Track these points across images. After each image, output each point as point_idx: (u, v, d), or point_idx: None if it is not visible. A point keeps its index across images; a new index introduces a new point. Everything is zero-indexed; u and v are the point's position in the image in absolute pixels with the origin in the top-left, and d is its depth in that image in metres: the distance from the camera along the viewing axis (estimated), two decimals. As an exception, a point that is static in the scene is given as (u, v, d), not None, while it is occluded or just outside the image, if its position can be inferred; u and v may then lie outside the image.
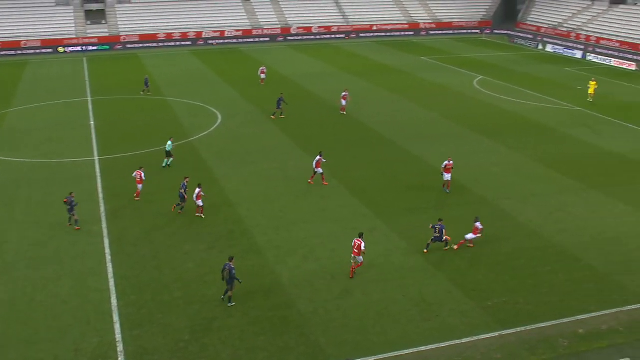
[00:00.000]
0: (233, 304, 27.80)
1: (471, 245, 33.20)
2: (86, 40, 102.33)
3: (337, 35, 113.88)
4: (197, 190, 36.57)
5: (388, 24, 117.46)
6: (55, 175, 43.86)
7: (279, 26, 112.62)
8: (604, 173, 44.46)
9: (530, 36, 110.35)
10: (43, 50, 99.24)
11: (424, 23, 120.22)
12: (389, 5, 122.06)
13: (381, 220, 36.45)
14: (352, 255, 30.29)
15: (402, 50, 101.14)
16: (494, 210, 38.02)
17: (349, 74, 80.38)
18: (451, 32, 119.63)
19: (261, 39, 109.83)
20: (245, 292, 28.51)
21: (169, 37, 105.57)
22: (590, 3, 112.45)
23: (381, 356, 24.58)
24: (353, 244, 30.27)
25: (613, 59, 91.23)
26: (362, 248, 29.88)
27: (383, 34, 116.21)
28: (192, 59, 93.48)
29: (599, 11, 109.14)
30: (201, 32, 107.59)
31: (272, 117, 58.61)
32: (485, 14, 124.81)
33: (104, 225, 36.04)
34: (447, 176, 40.54)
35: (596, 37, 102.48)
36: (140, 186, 39.39)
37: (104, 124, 57.13)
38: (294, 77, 77.88)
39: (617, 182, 42.72)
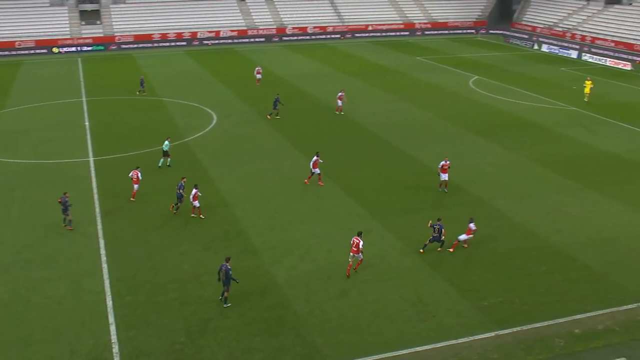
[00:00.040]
0: (229, 304, 27.72)
1: (466, 245, 33.17)
2: (81, 41, 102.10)
3: (333, 36, 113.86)
4: (194, 191, 36.48)
5: (383, 24, 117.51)
6: (50, 176, 43.71)
7: (274, 26, 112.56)
8: (600, 173, 44.51)
9: (526, 36, 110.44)
10: (37, 51, 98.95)
11: (420, 23, 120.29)
12: (384, 5, 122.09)
13: (377, 220, 36.41)
14: (351, 253, 30.28)
15: (397, 50, 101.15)
16: (490, 210, 38.01)
17: (345, 74, 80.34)
18: (446, 32, 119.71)
19: (256, 39, 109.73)
20: (241, 293, 28.42)
21: (164, 38, 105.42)
22: (585, 3, 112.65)
23: (377, 356, 24.53)
24: (352, 242, 30.28)
25: (608, 59, 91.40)
26: (361, 246, 29.92)
27: (378, 34, 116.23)
28: (187, 59, 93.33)
29: (594, 11, 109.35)
30: (196, 32, 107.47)
31: (268, 117, 58.58)
32: (480, 13, 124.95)
33: (99, 226, 35.91)
34: (444, 176, 40.53)
35: (591, 37, 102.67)
36: (136, 186, 39.31)
37: (99, 124, 56.97)
38: (289, 78, 77.81)
39: (613, 181, 42.77)
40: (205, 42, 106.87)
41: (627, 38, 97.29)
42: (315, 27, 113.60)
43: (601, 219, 37.01)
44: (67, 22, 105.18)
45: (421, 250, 32.61)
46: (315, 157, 41.66)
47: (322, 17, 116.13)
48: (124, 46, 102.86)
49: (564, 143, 51.33)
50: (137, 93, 68.46)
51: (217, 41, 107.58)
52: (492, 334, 25.93)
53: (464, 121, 57.39)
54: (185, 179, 37.77)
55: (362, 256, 30.34)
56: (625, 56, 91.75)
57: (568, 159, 47.37)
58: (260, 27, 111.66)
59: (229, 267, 27.41)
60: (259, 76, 73.89)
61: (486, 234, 34.44)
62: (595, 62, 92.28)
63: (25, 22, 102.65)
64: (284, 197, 40.09)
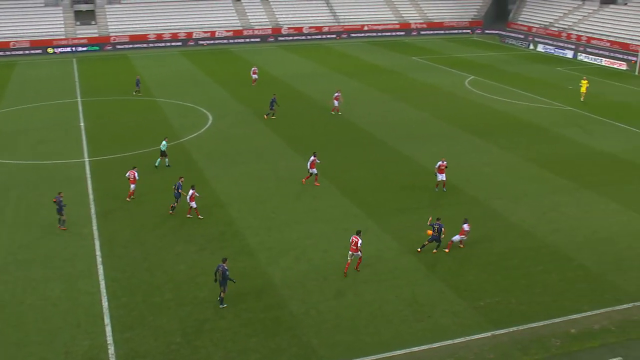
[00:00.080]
0: (225, 305, 27.67)
1: (461, 246, 33.17)
2: (76, 41, 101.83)
3: (328, 36, 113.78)
4: (191, 192, 36.40)
5: (379, 24, 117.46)
6: (45, 177, 43.57)
7: (270, 26, 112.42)
8: (596, 173, 44.55)
9: (522, 36, 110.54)
10: (32, 51, 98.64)
11: (415, 23, 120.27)
12: (380, 5, 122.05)
13: (373, 220, 36.36)
14: (350, 252, 30.31)
15: (393, 50, 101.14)
16: (486, 211, 38.01)
17: (340, 74, 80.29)
18: (442, 32, 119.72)
19: (252, 40, 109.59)
20: (237, 294, 28.37)
21: (159, 38, 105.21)
22: (580, 3, 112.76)
23: (374, 357, 24.52)
24: (351, 241, 30.35)
25: (604, 59, 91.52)
26: (360, 245, 29.99)
27: (374, 34, 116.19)
28: (183, 59, 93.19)
29: (590, 11, 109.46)
30: (191, 32, 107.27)
31: (265, 117, 58.52)
32: (476, 13, 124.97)
33: (95, 227, 35.82)
34: (441, 176, 40.53)
35: (587, 36, 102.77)
36: (133, 186, 39.27)
37: (94, 125, 56.84)
38: (284, 78, 77.72)
39: (609, 181, 42.81)
40: (201, 42, 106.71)
41: (623, 38, 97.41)
42: (310, 27, 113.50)
43: (597, 218, 37.04)
44: (62, 22, 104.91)
45: (419, 250, 32.58)
46: (312, 157, 41.59)
47: (318, 17, 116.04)
48: (119, 46, 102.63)
49: (560, 143, 51.36)
50: (134, 93, 68.34)
51: (212, 41, 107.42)
52: (489, 334, 25.92)
53: (460, 121, 57.39)
54: (183, 179, 37.77)
55: (361, 254, 30.38)
56: (620, 56, 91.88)
57: (564, 158, 47.40)
58: (256, 27, 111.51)
59: (226, 267, 27.36)
60: (255, 76, 73.79)
61: (482, 234, 34.45)
62: (591, 62, 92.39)
63: (20, 22, 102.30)
64: (280, 198, 40.03)
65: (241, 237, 34.50)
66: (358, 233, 30.56)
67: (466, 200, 39.56)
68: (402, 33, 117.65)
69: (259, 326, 26.42)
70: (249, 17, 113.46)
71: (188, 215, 36.76)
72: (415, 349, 24.97)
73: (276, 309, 27.66)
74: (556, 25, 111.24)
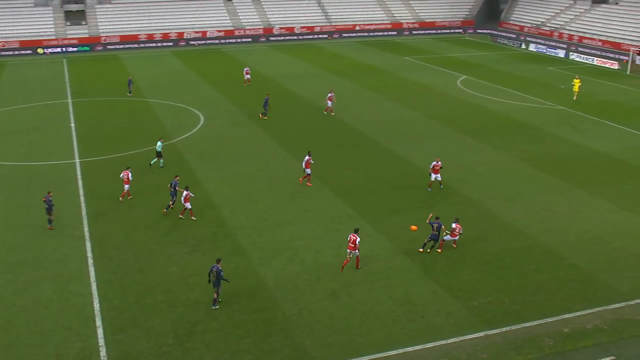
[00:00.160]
0: (217, 306, 27.54)
1: (454, 246, 33.12)
2: (66, 42, 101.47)
3: (320, 36, 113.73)
4: (185, 192, 36.26)
5: (371, 24, 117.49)
6: (36, 179, 43.33)
7: (261, 26, 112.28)
8: (588, 172, 44.60)
9: (513, 35, 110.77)
10: (22, 52, 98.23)
11: (407, 23, 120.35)
12: (371, 5, 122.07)
13: (366, 220, 36.27)
14: (348, 250, 30.32)
15: (385, 50, 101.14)
16: (480, 210, 37.99)
17: (332, 74, 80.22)
18: (434, 31, 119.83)
19: (243, 40, 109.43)
20: (229, 295, 28.25)
21: (150, 38, 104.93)
22: (572, 2, 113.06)
23: (367, 357, 24.43)
24: (348, 239, 30.35)
25: (596, 58, 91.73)
26: (357, 243, 30.05)
27: (366, 34, 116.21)
28: (174, 59, 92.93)
29: (581, 10, 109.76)
30: (183, 32, 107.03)
31: (260, 116, 58.43)
32: (468, 13, 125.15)
33: (86, 228, 35.63)
34: (434, 176, 40.51)
35: (579, 36, 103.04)
36: (127, 186, 39.17)
37: (85, 126, 56.57)
38: (276, 78, 77.60)
39: (601, 181, 42.87)
40: (192, 42, 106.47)
41: (614, 37, 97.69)
42: (302, 27, 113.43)
43: (590, 218, 37.07)
44: (52, 22, 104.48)
45: (420, 250, 32.52)
46: (307, 157, 41.46)
47: (310, 17, 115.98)
48: (109, 47, 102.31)
49: (553, 142, 51.42)
50: (129, 94, 67.96)
51: (203, 41, 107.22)
52: (482, 334, 25.88)
53: (453, 121, 57.40)
54: (178, 177, 37.79)
55: (358, 252, 30.37)
56: (612, 55, 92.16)
57: (557, 158, 47.45)
58: (247, 28, 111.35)
59: (220, 268, 27.25)
60: (247, 76, 73.63)
61: (476, 234, 34.44)
62: (583, 61, 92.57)
63: (9, 22, 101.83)
64: (272, 198, 39.91)
65: (233, 238, 34.37)
66: (356, 231, 30.65)
67: (460, 200, 39.53)
68: (394, 33, 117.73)
69: (251, 327, 26.31)
70: (241, 17, 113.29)
71: (180, 216, 36.62)
72: (409, 349, 24.90)
73: (269, 310, 27.54)
74: (548, 24, 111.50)
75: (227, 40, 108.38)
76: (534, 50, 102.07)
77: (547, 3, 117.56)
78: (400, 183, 42.37)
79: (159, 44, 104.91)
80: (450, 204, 38.70)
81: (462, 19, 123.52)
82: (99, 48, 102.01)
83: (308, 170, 41.48)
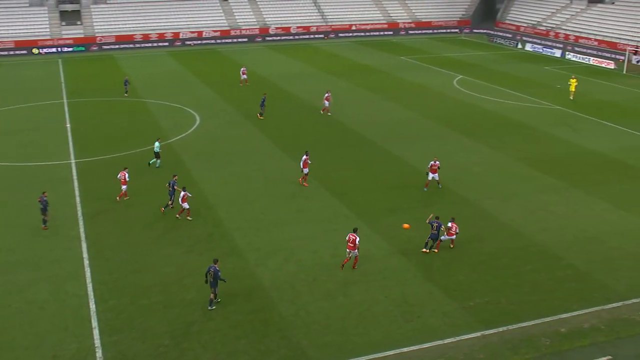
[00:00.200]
0: (213, 307, 27.47)
1: (452, 245, 33.08)
2: (61, 42, 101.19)
3: (316, 36, 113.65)
4: (182, 193, 36.19)
5: (367, 24, 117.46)
6: (31, 179, 43.18)
7: (257, 26, 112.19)
8: (585, 172, 44.63)
9: (510, 35, 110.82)
10: (17, 52, 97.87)
11: (403, 22, 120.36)
12: (367, 5, 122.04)
13: (362, 220, 36.20)
14: (347, 250, 30.32)
15: (381, 50, 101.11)
16: (476, 210, 37.98)
17: (328, 74, 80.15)
18: (430, 31, 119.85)
19: (239, 40, 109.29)
20: (225, 295, 28.19)
21: (146, 38, 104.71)
22: (568, 2, 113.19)
23: (364, 357, 24.41)
24: (347, 239, 30.35)
25: (592, 58, 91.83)
26: (357, 242, 30.08)
27: (362, 34, 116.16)
28: (170, 60, 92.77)
29: (578, 10, 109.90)
30: (178, 32, 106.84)
31: (258, 115, 58.32)
32: (464, 13, 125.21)
33: (82, 228, 35.52)
34: (432, 176, 40.52)
35: (575, 35, 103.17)
36: (124, 187, 39.05)
37: (81, 126, 56.40)
38: (272, 78, 77.50)
39: (598, 180, 42.89)
40: (188, 42, 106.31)
41: (610, 37, 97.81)
42: (298, 27, 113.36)
43: (586, 217, 37.09)
44: (47, 22, 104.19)
45: (424, 250, 32.49)
46: (304, 157, 41.38)
47: (306, 17, 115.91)
48: (105, 47, 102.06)
49: (549, 142, 51.44)
50: (125, 95, 67.77)
51: (199, 42, 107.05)
52: (479, 334, 25.87)
53: (449, 121, 57.39)
54: (176, 177, 37.76)
55: (357, 252, 30.36)
56: (608, 55, 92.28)
57: (553, 158, 47.46)
58: (243, 28, 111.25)
59: (218, 268, 27.20)
60: (244, 76, 73.51)
61: (472, 234, 34.43)
62: (579, 60, 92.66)
63: (4, 22, 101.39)
64: (269, 198, 39.85)
65: (229, 238, 34.30)
66: (355, 231, 30.66)
67: (456, 200, 39.52)
68: (390, 33, 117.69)
69: (248, 328, 26.25)
70: (237, 17, 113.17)
71: (177, 216, 36.56)
72: (405, 349, 24.88)
73: (265, 311, 27.49)
74: (544, 24, 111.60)
75: (223, 40, 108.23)
76: (530, 50, 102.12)
77: (543, 3, 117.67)
78: (396, 183, 42.34)
79: (155, 44, 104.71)
80: (447, 204, 38.68)
81: (458, 19, 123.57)
82: (95, 48, 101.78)
83: (306, 170, 41.41)
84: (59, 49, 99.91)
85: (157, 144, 44.95)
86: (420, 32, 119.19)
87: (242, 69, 74.98)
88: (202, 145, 50.62)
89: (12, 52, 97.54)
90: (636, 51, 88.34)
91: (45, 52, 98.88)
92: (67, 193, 40.55)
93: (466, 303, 28.04)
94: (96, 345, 25.01)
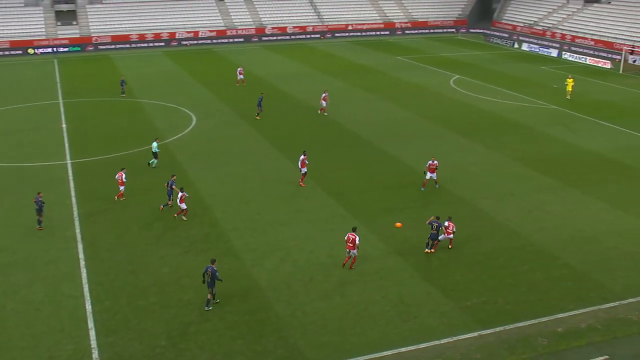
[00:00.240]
0: (210, 307, 27.42)
1: (450, 246, 33.06)
2: (57, 42, 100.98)
3: (312, 35, 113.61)
4: (180, 194, 36.15)
5: (363, 24, 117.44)
6: (27, 179, 43.09)
7: (254, 26, 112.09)
8: (581, 171, 44.65)
9: (506, 35, 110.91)
10: (12, 52, 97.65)
11: (400, 22, 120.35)
12: (364, 5, 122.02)
13: (359, 221, 36.11)
14: (347, 249, 30.35)
15: (378, 49, 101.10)
16: (473, 210, 37.97)
17: (325, 74, 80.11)
18: (427, 31, 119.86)
19: (235, 40, 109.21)
20: (222, 296, 28.13)
21: (142, 38, 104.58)
22: (565, 1, 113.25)
23: (361, 358, 24.38)
24: (347, 239, 30.35)
25: (588, 57, 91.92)
26: (357, 242, 30.09)
27: (358, 34, 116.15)
28: (166, 60, 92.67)
29: (574, 9, 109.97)
30: (174, 32, 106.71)
31: (256, 116, 58.24)
32: (460, 13, 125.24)
33: (78, 229, 35.44)
34: (429, 175, 40.52)
35: (571, 35, 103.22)
36: (122, 187, 39.01)
37: (77, 126, 56.29)
38: (269, 78, 77.44)
39: (594, 180, 42.91)
40: (184, 42, 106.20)
41: (607, 36, 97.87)
42: (294, 27, 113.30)
43: (582, 217, 37.09)
44: (43, 22, 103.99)
45: (427, 251, 32.45)
46: (302, 156, 41.33)
47: (302, 17, 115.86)
48: (101, 47, 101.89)
49: (546, 142, 51.46)
50: (122, 95, 67.63)
51: (195, 42, 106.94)
52: (476, 333, 25.85)
53: (446, 120, 57.39)
54: (175, 177, 37.74)
55: (356, 252, 30.33)
56: (605, 54, 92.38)
57: (549, 157, 47.49)
58: (239, 27, 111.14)
59: (215, 268, 27.16)
60: (241, 77, 73.43)
61: (469, 234, 34.42)
62: (576, 60, 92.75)
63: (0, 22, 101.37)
64: (265, 199, 39.80)
65: (226, 239, 34.24)
66: (354, 230, 30.65)
67: (453, 200, 39.50)
68: (387, 32, 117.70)
69: (244, 328, 26.21)
70: (233, 17, 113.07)
71: (175, 216, 36.50)
72: (402, 349, 24.85)
73: (262, 311, 27.45)
74: (541, 24, 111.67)
75: (219, 40, 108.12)
76: (527, 49, 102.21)
77: (539, 2, 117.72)
78: (393, 183, 42.32)
79: (151, 44, 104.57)
80: (443, 204, 38.66)
81: (454, 19, 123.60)
82: (90, 48, 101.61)
83: (304, 170, 41.36)
84: (55, 49, 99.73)
85: (155, 144, 44.89)
86: (416, 31, 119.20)
87: (238, 69, 74.91)
88: (199, 145, 50.55)
89: (7, 53, 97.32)
90: (632, 51, 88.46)
91: (41, 52, 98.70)
92: (63, 193, 40.46)
93: (463, 303, 28.02)
94: (92, 346, 24.95)
